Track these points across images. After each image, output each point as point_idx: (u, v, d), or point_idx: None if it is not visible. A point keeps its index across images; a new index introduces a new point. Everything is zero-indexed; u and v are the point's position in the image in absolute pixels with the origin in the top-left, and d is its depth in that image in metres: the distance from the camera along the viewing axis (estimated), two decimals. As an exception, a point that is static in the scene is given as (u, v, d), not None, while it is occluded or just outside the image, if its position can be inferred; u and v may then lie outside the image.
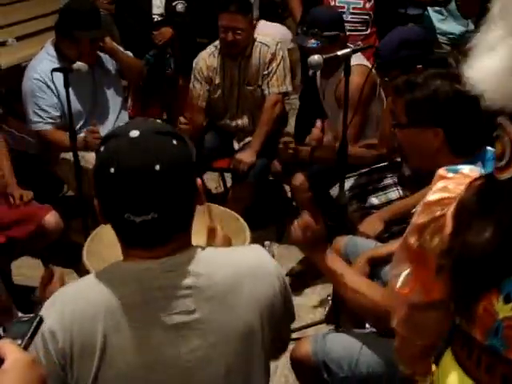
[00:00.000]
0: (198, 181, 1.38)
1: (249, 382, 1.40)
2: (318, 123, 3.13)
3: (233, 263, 1.40)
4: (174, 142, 1.30)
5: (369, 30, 3.82)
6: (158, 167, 1.24)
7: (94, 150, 3.04)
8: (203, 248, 1.38)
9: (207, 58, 3.59)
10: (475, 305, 1.06)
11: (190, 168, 1.33)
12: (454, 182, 1.16)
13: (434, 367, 1.27)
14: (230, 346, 1.34)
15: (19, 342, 1.00)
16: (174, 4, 4.30)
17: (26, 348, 1.00)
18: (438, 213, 1.13)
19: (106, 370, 1.29)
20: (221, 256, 1.42)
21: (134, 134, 1.28)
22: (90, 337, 1.28)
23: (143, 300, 1.30)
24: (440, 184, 1.17)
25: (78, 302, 1.31)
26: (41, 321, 1.05)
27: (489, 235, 1.03)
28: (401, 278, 1.25)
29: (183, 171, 1.30)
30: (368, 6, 3.78)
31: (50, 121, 3.29)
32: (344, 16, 3.68)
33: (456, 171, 1.18)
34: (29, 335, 1.02)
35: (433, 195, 1.16)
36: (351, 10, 3.76)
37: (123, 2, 4.38)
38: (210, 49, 3.61)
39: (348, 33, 3.67)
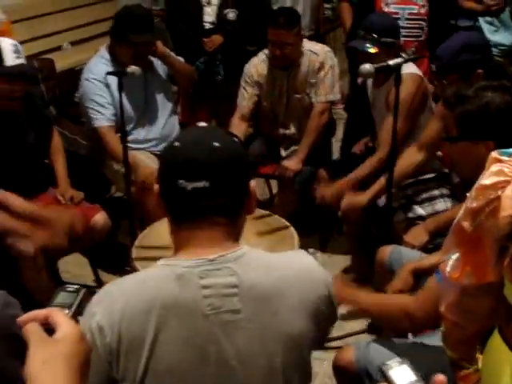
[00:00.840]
0: (252, 183, 1.42)
1: None
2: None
3: (280, 267, 1.41)
4: (234, 138, 1.42)
5: (423, 36, 3.80)
6: (216, 144, 1.34)
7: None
8: (252, 249, 1.40)
9: (258, 65, 3.62)
10: None
11: (244, 160, 1.40)
12: (508, 164, 1.15)
13: (479, 355, 1.27)
14: (274, 348, 1.36)
15: (66, 311, 0.98)
16: (225, 12, 4.34)
17: (73, 318, 0.98)
18: (492, 196, 1.13)
19: (155, 366, 1.31)
20: (268, 259, 1.43)
21: (201, 124, 1.43)
22: (139, 333, 1.30)
23: (192, 297, 1.32)
24: (494, 167, 1.16)
25: (128, 298, 1.33)
26: (86, 292, 1.04)
27: None
28: (450, 262, 1.25)
29: (238, 158, 1.38)
30: (423, 11, 3.76)
31: (110, 117, 3.32)
32: (399, 22, 3.68)
33: (510, 154, 1.17)
34: (75, 306, 1.00)
35: (487, 179, 1.15)
36: (406, 16, 3.74)
37: (175, 9, 4.46)
38: (261, 56, 3.64)
39: (403, 39, 3.66)
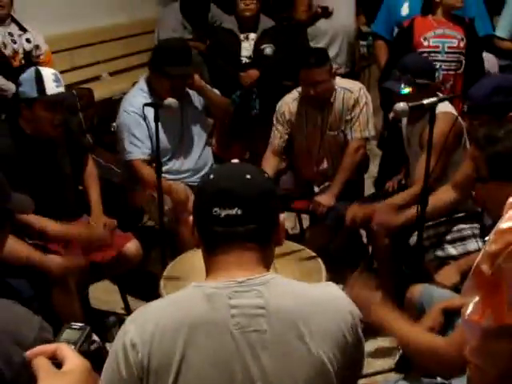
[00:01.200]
0: (281, 216, 1.51)
1: None
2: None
3: (307, 294, 1.47)
4: (265, 174, 1.55)
5: (462, 69, 3.81)
6: (248, 176, 1.46)
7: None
8: (280, 276, 1.46)
9: (290, 103, 3.64)
10: None
11: (274, 194, 1.51)
12: None
13: None
14: (299, 372, 1.39)
15: (72, 347, 1.03)
16: (262, 47, 4.42)
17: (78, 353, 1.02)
18: (511, 239, 1.15)
19: (181, 383, 1.35)
20: (296, 285, 1.49)
21: (234, 161, 1.54)
22: (169, 351, 1.35)
23: (221, 316, 1.37)
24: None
25: (159, 317, 1.40)
26: (90, 330, 1.09)
27: None
28: (470, 306, 1.26)
29: (268, 191, 1.49)
30: (462, 44, 3.79)
31: (146, 151, 3.37)
32: (439, 55, 3.72)
33: None
34: (80, 342, 1.05)
35: (506, 223, 1.17)
36: (446, 50, 3.77)
37: (215, 43, 4.54)
38: (294, 94, 3.66)
39: (442, 72, 3.73)
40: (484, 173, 1.90)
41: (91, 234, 3.00)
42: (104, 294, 3.47)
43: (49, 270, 2.70)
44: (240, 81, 4.34)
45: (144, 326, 1.38)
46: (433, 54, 3.75)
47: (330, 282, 1.56)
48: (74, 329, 1.09)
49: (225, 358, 1.36)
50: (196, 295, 1.41)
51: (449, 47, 3.78)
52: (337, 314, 1.44)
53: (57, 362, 0.97)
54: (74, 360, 0.97)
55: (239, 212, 1.41)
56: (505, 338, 1.21)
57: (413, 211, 2.87)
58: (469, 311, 1.27)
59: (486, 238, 1.22)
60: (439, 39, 3.78)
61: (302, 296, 1.44)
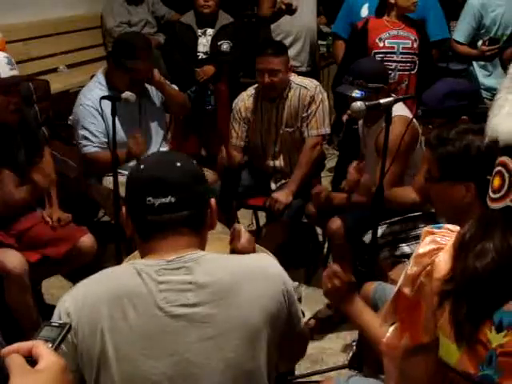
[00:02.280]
0: (212, 200, 1.56)
1: (249, 381, 1.46)
2: (355, 163, 3.15)
3: (235, 264, 1.52)
4: (193, 161, 1.57)
5: (416, 70, 3.87)
6: (178, 164, 1.50)
7: (137, 155, 3.14)
8: (209, 253, 1.51)
9: (246, 100, 3.66)
10: (475, 333, 1.15)
11: (203, 179, 1.56)
12: (440, 235, 1.29)
13: None
14: (230, 342, 1.42)
15: (50, 345, 1.02)
16: (219, 43, 4.42)
17: (55, 351, 1.02)
18: (428, 261, 1.25)
19: (109, 353, 1.40)
20: (223, 259, 1.55)
21: (163, 149, 1.49)
22: (97, 319, 1.41)
23: (148, 290, 1.41)
24: (428, 238, 1.29)
25: (91, 287, 1.47)
26: (70, 328, 1.09)
27: (486, 260, 1.14)
28: (389, 332, 1.35)
29: (199, 177, 1.54)
30: (415, 45, 3.86)
31: (99, 145, 3.37)
32: (395, 56, 3.78)
33: (440, 227, 1.32)
34: (58, 340, 1.05)
35: (422, 248, 1.28)
36: (401, 50, 3.83)
37: (172, 38, 4.52)
38: (250, 91, 3.68)
39: (398, 72, 3.79)
40: (435, 173, 1.93)
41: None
42: (58, 291, 3.41)
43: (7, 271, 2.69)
44: (195, 76, 4.34)
45: (77, 295, 1.45)
46: (388, 55, 3.80)
47: (263, 254, 1.60)
48: (54, 326, 1.08)
49: (152, 331, 1.40)
50: (127, 270, 1.46)
51: (403, 48, 3.84)
52: (267, 281, 1.49)
53: (32, 359, 0.96)
54: (49, 358, 0.97)
55: (172, 200, 1.44)
56: (418, 357, 1.27)
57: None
58: (388, 335, 1.36)
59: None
60: (394, 40, 3.83)
61: (232, 266, 1.50)
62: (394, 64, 3.81)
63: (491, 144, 1.19)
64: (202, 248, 1.53)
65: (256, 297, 1.45)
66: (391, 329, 1.35)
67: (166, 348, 1.41)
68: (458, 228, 1.29)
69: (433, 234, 1.30)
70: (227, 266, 1.50)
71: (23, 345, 0.98)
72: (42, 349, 0.98)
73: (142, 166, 1.51)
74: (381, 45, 3.83)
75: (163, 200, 1.44)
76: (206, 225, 1.55)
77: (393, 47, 3.82)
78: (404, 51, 3.84)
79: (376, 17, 3.91)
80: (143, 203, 1.45)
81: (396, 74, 3.81)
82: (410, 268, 1.28)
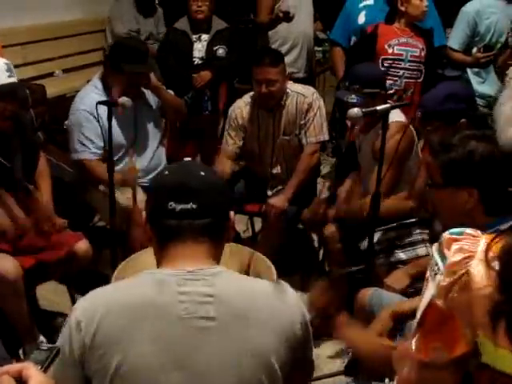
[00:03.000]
0: (231, 213, 1.55)
1: None
2: (352, 175, 3.16)
3: (256, 287, 1.51)
4: (216, 173, 1.59)
5: (422, 78, 3.89)
6: (202, 173, 1.51)
7: (130, 186, 3.15)
8: (229, 270, 1.50)
9: (243, 108, 3.65)
10: None
11: (226, 190, 1.58)
12: (465, 241, 1.26)
13: None
14: (245, 361, 1.41)
15: (39, 367, 1.06)
16: (214, 48, 4.42)
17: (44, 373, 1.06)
18: (462, 271, 1.22)
19: (127, 364, 1.37)
20: (245, 279, 1.55)
21: (187, 159, 1.59)
22: (115, 331, 1.38)
23: (169, 300, 1.40)
24: (455, 246, 1.26)
25: (108, 299, 1.43)
26: (58, 352, 1.13)
27: None
28: (414, 342, 1.31)
29: (221, 187, 1.55)
30: (423, 54, 3.87)
31: (95, 150, 3.36)
32: (403, 63, 3.80)
33: (461, 233, 1.29)
34: (47, 363, 1.09)
35: (453, 257, 1.25)
36: (409, 58, 3.84)
37: (167, 44, 4.51)
38: (247, 98, 3.67)
39: (405, 80, 3.81)
40: (438, 179, 1.93)
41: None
42: (53, 295, 3.41)
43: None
44: (192, 82, 4.34)
45: (91, 305, 1.42)
46: (396, 62, 3.81)
47: (281, 280, 1.59)
48: (43, 350, 1.13)
49: (171, 341, 1.39)
50: (146, 280, 1.44)
51: (412, 56, 3.85)
52: (286, 310, 1.47)
53: (21, 381, 1.00)
54: (38, 379, 1.00)
55: (194, 206, 1.44)
56: (449, 369, 1.24)
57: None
58: (414, 348, 1.31)
59: (440, 269, 1.27)
60: (403, 47, 3.84)
61: (252, 288, 1.49)
62: (402, 71, 3.83)
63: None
64: (219, 261, 1.52)
65: (274, 319, 1.44)
66: (415, 338, 1.31)
67: (182, 359, 1.39)
68: (479, 232, 1.28)
69: (457, 240, 1.27)
70: (248, 286, 1.50)
71: (13, 367, 1.02)
72: (32, 371, 1.02)
73: (166, 172, 1.53)
74: (390, 51, 3.84)
75: (185, 206, 1.44)
76: (225, 237, 1.54)
77: (401, 54, 3.83)
78: (412, 59, 3.85)
79: (386, 23, 3.92)
80: (165, 208, 1.45)
81: (402, 82, 3.83)
82: (443, 279, 1.25)
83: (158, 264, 1.50)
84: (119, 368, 1.37)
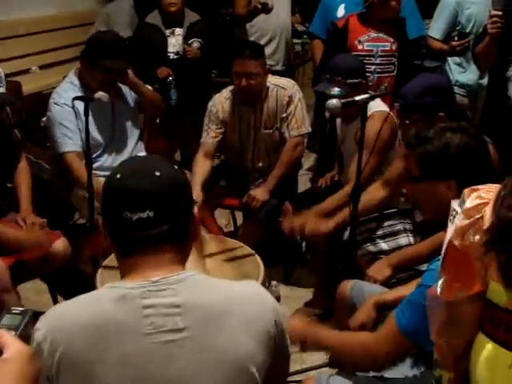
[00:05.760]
0: (195, 209, 1.48)
1: None
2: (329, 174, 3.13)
3: (225, 289, 1.44)
4: (175, 166, 1.45)
5: (395, 71, 3.88)
6: (157, 173, 1.38)
7: None
8: (197, 273, 1.42)
9: (223, 102, 3.62)
10: None
11: (186, 188, 1.45)
12: (484, 191, 1.34)
13: None
14: (220, 368, 1.35)
15: (13, 332, 1.00)
16: (190, 42, 4.38)
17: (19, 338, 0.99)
18: (477, 216, 1.29)
19: None
20: (214, 282, 1.46)
21: (141, 154, 1.42)
22: (78, 352, 1.31)
23: (132, 317, 1.33)
24: (473, 194, 1.34)
25: (69, 317, 1.35)
26: (32, 315, 1.06)
27: None
28: (438, 286, 1.37)
29: (180, 185, 1.42)
30: (394, 47, 3.86)
31: (77, 143, 3.29)
32: (373, 59, 3.78)
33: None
34: (21, 328, 1.02)
35: (469, 203, 1.32)
36: (380, 53, 3.83)
37: (137, 38, 4.43)
38: (226, 93, 3.64)
39: (377, 75, 3.80)
40: (415, 172, 1.93)
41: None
42: (34, 295, 3.38)
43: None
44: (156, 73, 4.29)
45: (51, 325, 1.35)
46: (367, 58, 3.79)
47: (253, 280, 1.55)
48: (15, 314, 1.06)
49: (139, 360, 1.32)
50: (108, 296, 1.36)
51: (382, 51, 3.84)
52: (258, 308, 1.42)
53: None
54: (14, 347, 0.94)
55: (151, 214, 1.34)
56: (472, 303, 1.31)
57: (342, 215, 2.91)
58: (439, 290, 1.37)
59: (457, 218, 1.34)
60: (373, 43, 3.83)
61: (221, 291, 1.42)
62: (373, 67, 3.81)
63: None
64: (186, 259, 1.46)
65: (247, 322, 1.38)
66: (440, 282, 1.37)
67: (155, 377, 1.33)
68: (498, 185, 1.33)
69: (477, 190, 1.35)
70: (217, 289, 1.42)
71: None
72: (7, 338, 0.96)
73: (118, 176, 1.39)
74: (360, 47, 3.82)
75: (141, 215, 1.34)
76: (189, 236, 1.46)
77: (371, 50, 3.82)
78: (383, 54, 3.84)
79: (357, 15, 3.89)
80: (120, 218, 1.35)
81: (375, 77, 3.82)
82: (460, 221, 1.32)
83: (122, 274, 1.42)
84: None
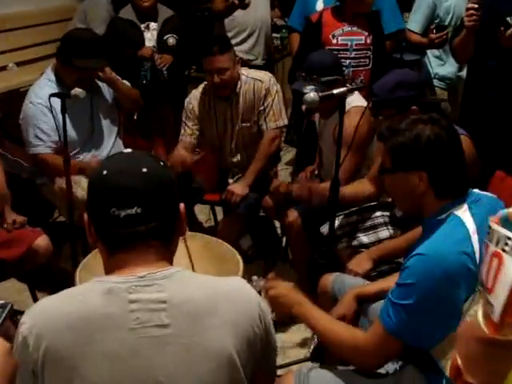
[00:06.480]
0: (181, 205, 1.47)
1: None
2: (308, 171, 3.14)
3: (211, 285, 1.44)
4: (161, 162, 1.46)
5: (370, 65, 3.87)
6: (145, 170, 1.38)
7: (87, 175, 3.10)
8: (183, 269, 1.43)
9: (199, 98, 3.61)
10: None
11: (172, 184, 1.44)
12: None
13: None
14: (204, 366, 1.36)
15: None
16: (165, 38, 4.35)
17: None
18: None
19: (77, 380, 1.31)
20: (200, 278, 1.47)
21: (127, 150, 1.47)
22: (63, 346, 1.31)
23: (118, 311, 1.33)
24: None
25: (54, 311, 1.35)
26: (11, 308, 1.05)
27: None
28: (481, 319, 1.28)
29: (167, 182, 1.42)
30: (368, 41, 3.84)
31: (51, 144, 3.31)
32: (348, 53, 3.77)
33: None
34: (1, 321, 1.01)
35: None
36: (354, 47, 3.81)
37: (112, 34, 4.36)
38: (201, 88, 3.64)
39: (352, 69, 3.79)
40: (388, 164, 1.94)
41: None
42: (13, 294, 3.34)
43: None
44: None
45: (36, 319, 1.34)
46: (342, 52, 3.77)
47: (238, 277, 1.55)
48: None
49: (124, 354, 1.32)
50: (94, 290, 1.36)
51: (356, 44, 3.83)
52: (244, 306, 1.42)
53: None
54: None
55: (139, 211, 1.35)
56: None
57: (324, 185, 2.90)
58: (482, 324, 1.28)
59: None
60: (347, 37, 3.81)
61: (207, 288, 1.42)
62: (348, 61, 3.79)
63: None
64: (172, 256, 1.46)
65: (233, 319, 1.38)
66: (480, 313, 1.28)
67: (139, 372, 1.33)
68: None
69: None
70: (204, 286, 1.42)
71: None
72: None
73: (104, 172, 1.38)
74: (334, 41, 3.81)
75: (129, 211, 1.34)
76: (176, 232, 1.46)
77: (346, 44, 3.81)
78: (357, 47, 3.82)
79: (331, 10, 3.89)
80: (107, 214, 1.35)
81: (350, 71, 3.81)
82: None
83: (106, 270, 1.42)
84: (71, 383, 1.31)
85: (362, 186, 2.95)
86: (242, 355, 1.39)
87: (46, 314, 1.35)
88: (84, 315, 1.32)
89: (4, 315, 1.04)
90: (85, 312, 1.33)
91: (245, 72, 3.57)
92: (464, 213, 1.80)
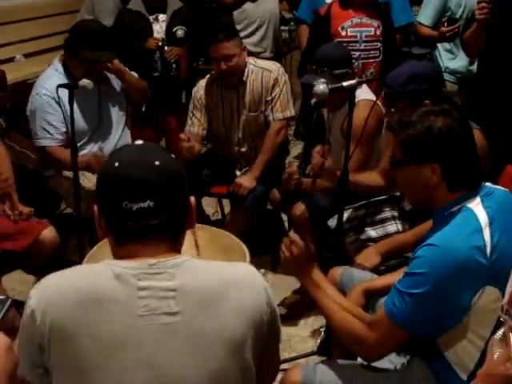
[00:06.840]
0: (192, 198, 1.47)
1: None
2: (318, 148, 3.11)
3: (219, 272, 1.44)
4: (173, 155, 1.45)
5: (381, 56, 3.85)
6: (157, 162, 1.37)
7: (95, 172, 3.09)
8: (192, 258, 1.43)
9: (206, 87, 3.61)
10: None
11: (184, 177, 1.44)
12: None
13: None
14: (213, 352, 1.36)
15: None
16: (174, 30, 4.33)
17: None
18: None
19: (83, 360, 1.31)
20: (208, 265, 1.47)
21: (137, 142, 1.46)
22: (70, 323, 1.31)
23: (127, 297, 1.33)
24: None
25: (63, 287, 1.35)
26: (12, 303, 1.05)
27: None
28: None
29: (179, 176, 1.42)
30: (378, 32, 3.82)
31: (58, 136, 3.31)
32: (357, 45, 3.75)
33: None
34: (1, 316, 1.01)
35: None
36: (364, 39, 3.79)
37: (120, 25, 4.35)
38: (209, 78, 3.63)
39: (362, 61, 3.76)
40: (399, 157, 1.92)
41: None
42: (19, 285, 3.35)
43: None
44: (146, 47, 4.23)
45: (44, 293, 1.35)
46: (351, 44, 3.75)
47: (244, 263, 1.55)
48: None
49: (130, 340, 1.32)
50: (104, 271, 1.35)
51: (366, 36, 3.80)
52: (252, 290, 1.43)
53: None
54: None
55: (151, 204, 1.34)
56: None
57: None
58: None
59: None
60: (357, 29, 3.79)
61: (216, 274, 1.42)
62: (358, 53, 3.77)
63: None
64: (181, 247, 1.46)
65: (242, 306, 1.38)
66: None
67: (145, 359, 1.32)
68: None
69: None
70: (212, 273, 1.42)
71: None
72: None
73: (116, 164, 1.37)
74: (343, 33, 3.79)
75: (141, 205, 1.34)
76: (186, 225, 1.46)
77: (355, 36, 3.79)
78: (367, 39, 3.80)
79: (339, 2, 3.86)
80: (119, 207, 1.34)
81: (360, 63, 3.79)
82: None
83: (116, 259, 1.42)
84: (75, 362, 1.31)
85: (372, 177, 2.93)
86: (250, 343, 1.39)
87: (54, 289, 1.35)
88: (93, 296, 1.32)
89: (4, 311, 1.04)
90: (94, 292, 1.33)
91: (253, 61, 3.56)
92: (477, 206, 1.78)
